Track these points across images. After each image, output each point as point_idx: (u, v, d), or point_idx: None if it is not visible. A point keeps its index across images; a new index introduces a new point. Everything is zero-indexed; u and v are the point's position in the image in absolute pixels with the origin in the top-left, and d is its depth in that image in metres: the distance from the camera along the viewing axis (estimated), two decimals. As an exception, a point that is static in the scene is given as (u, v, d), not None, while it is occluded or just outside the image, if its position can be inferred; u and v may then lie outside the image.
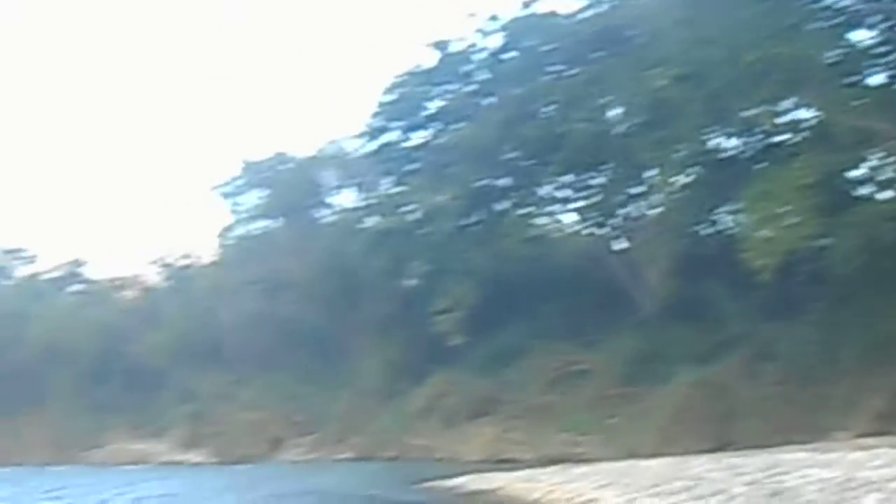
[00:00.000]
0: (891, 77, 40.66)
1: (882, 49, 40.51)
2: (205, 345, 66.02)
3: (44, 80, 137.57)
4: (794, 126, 43.67)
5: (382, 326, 58.54)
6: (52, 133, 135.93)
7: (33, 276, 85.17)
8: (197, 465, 58.74)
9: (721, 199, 47.24)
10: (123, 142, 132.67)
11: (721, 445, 38.15)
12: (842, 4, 40.13)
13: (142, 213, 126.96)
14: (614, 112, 50.15)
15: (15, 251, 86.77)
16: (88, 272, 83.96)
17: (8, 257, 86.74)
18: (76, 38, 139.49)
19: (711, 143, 46.84)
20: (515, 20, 54.02)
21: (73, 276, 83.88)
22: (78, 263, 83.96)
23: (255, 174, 69.04)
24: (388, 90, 57.54)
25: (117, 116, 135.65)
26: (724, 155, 47.13)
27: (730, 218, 48.43)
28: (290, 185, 66.84)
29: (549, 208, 55.57)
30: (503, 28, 54.39)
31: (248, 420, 61.24)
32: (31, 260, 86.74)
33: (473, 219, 53.95)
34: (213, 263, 73.90)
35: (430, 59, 56.61)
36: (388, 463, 50.29)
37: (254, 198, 69.84)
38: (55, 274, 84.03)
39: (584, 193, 52.46)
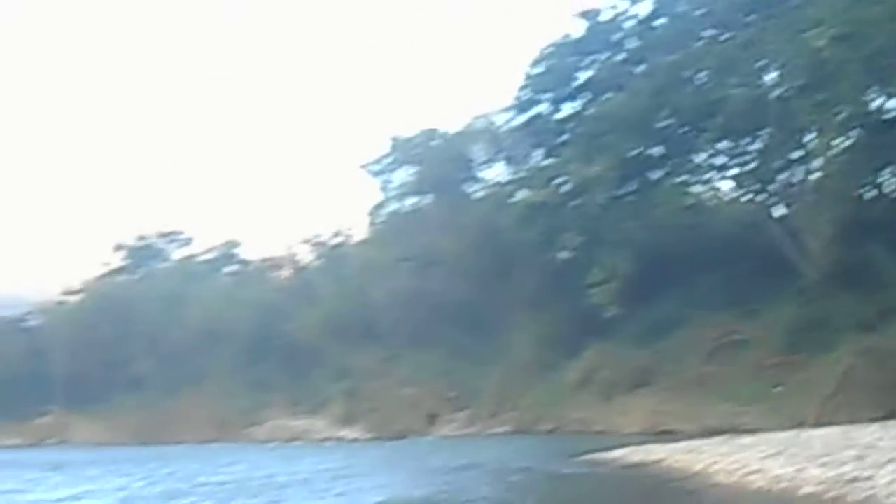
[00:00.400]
0: None
1: None
2: (358, 322, 66.62)
3: (197, 67, 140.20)
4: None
5: (535, 300, 58.21)
6: (209, 117, 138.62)
7: (189, 258, 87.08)
8: (353, 441, 59.03)
9: (884, 161, 46.12)
10: (276, 123, 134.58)
11: (889, 414, 36.91)
12: None
13: (294, 193, 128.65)
14: (771, 76, 49.07)
15: (171, 234, 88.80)
16: (243, 253, 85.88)
17: (165, 240, 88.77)
18: (233, 28, 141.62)
19: (873, 105, 45.64)
20: (666, -14, 53.29)
21: (229, 257, 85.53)
22: (233, 244, 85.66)
23: (405, 151, 69.36)
24: (537, 62, 57.24)
25: (271, 98, 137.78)
26: (886, 116, 45.89)
27: (894, 180, 47.05)
28: (439, 161, 66.99)
29: (705, 176, 54.72)
30: (653, -5, 53.75)
31: (403, 396, 61.50)
32: (187, 242, 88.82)
33: (627, 189, 53.44)
34: (365, 241, 74.53)
35: (579, 28, 56.30)
36: (546, 436, 49.97)
37: (404, 174, 70.29)
38: (211, 255, 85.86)
39: (741, 160, 51.40)
